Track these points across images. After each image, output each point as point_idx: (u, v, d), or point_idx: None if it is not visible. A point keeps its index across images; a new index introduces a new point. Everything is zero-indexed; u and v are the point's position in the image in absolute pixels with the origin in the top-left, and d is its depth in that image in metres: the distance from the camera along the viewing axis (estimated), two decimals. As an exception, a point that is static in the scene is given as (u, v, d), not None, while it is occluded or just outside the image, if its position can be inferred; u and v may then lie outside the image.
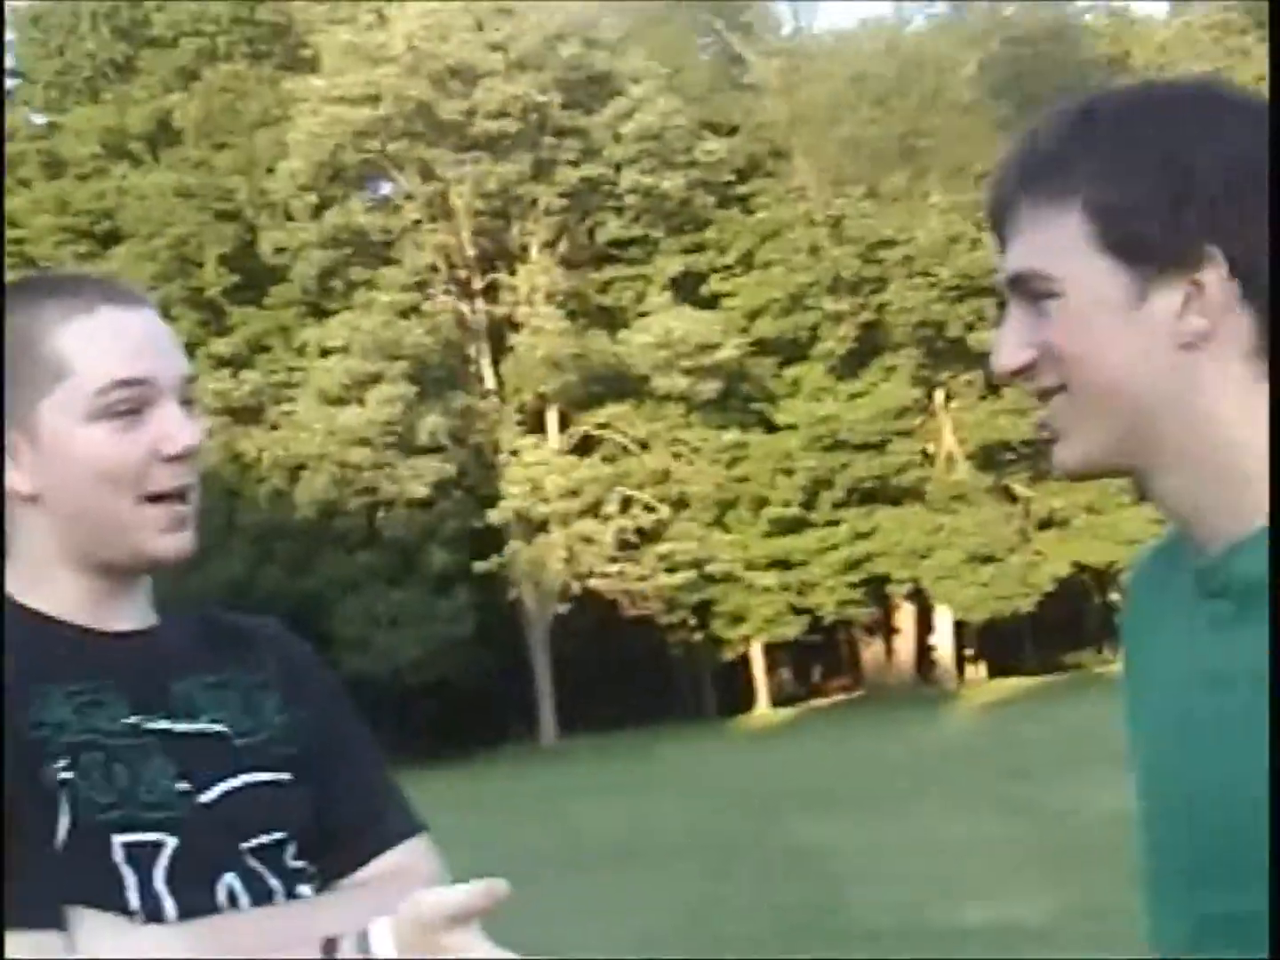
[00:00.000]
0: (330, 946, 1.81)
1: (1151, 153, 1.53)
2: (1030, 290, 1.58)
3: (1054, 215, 1.55)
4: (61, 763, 1.84)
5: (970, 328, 45.26)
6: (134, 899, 1.83)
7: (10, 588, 1.98)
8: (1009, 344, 1.60)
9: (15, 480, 1.94)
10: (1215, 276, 1.50)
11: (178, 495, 1.96)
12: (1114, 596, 51.90)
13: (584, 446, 46.51)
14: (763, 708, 49.89)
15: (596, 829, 19.96)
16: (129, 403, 1.92)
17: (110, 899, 1.81)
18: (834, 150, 47.51)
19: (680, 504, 46.34)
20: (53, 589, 1.96)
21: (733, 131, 49.80)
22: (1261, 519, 1.51)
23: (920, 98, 47.47)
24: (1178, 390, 1.52)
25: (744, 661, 50.90)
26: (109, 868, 1.83)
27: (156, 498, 1.94)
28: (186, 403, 1.98)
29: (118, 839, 1.84)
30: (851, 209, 46.53)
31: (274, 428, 43.24)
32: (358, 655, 40.85)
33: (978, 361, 45.83)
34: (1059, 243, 1.55)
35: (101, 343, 1.93)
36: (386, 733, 44.73)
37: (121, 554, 1.95)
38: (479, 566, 43.42)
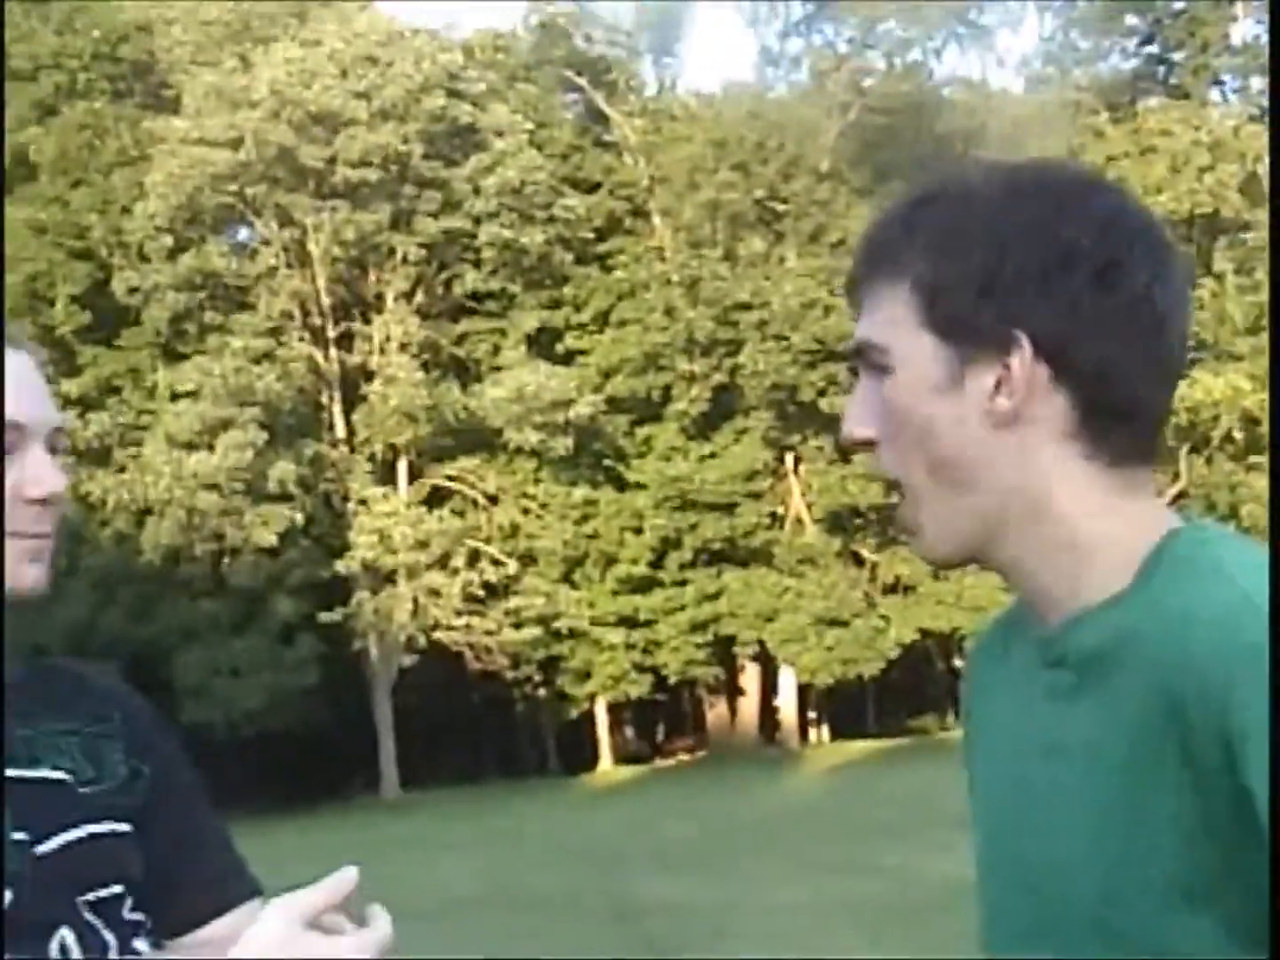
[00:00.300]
0: None
1: (970, 236, 1.56)
2: (870, 361, 1.62)
3: (888, 292, 1.60)
4: None
5: (822, 393, 45.61)
6: None
7: None
8: (855, 414, 1.64)
9: None
10: (1020, 361, 1.53)
11: (36, 536, 1.94)
12: (957, 662, 52.41)
13: (434, 499, 46.34)
14: (606, 765, 49.83)
15: (433, 883, 19.80)
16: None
17: None
18: (693, 212, 47.84)
19: (529, 559, 46.27)
20: None
21: (594, 189, 50.05)
22: (1098, 594, 1.55)
23: (780, 163, 47.94)
24: (1002, 470, 1.56)
25: (589, 719, 50.84)
26: None
27: (14, 537, 1.91)
28: (53, 450, 1.96)
29: None
30: (708, 271, 46.82)
31: (121, 470, 42.69)
32: (198, 704, 40.39)
33: (828, 426, 46.26)
34: (892, 319, 1.60)
35: None
36: (225, 782, 44.24)
37: None
38: (325, 616, 43.07)
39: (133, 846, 1.98)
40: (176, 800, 2.07)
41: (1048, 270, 1.53)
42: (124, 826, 1.97)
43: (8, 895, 1.82)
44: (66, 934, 1.86)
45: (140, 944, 1.94)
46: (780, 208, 48.57)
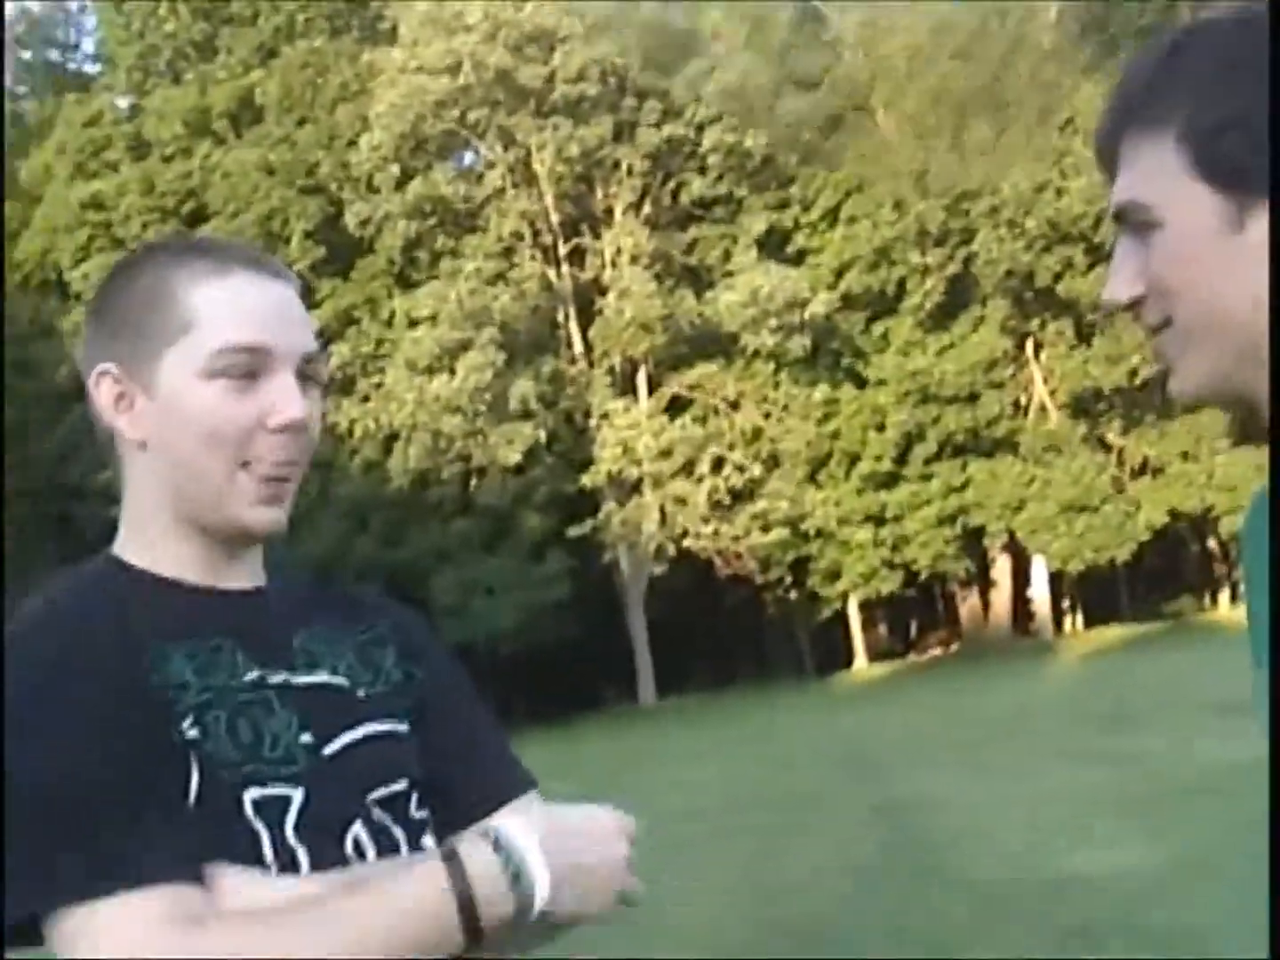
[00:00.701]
0: (452, 855, 1.84)
1: (1240, 79, 1.53)
2: (1134, 222, 1.60)
3: (1150, 146, 1.57)
4: (187, 722, 1.86)
5: (1058, 277, 44.90)
6: (268, 852, 1.86)
7: (122, 544, 2.02)
8: (1118, 277, 1.62)
9: (126, 426, 1.99)
10: None
11: (276, 466, 1.97)
12: (1211, 544, 51.54)
13: (675, 407, 46.51)
14: (861, 664, 49.88)
15: (694, 786, 20.01)
16: (245, 367, 1.95)
17: (245, 853, 1.85)
18: (916, 102, 47.21)
19: (773, 462, 46.28)
20: (164, 547, 1.99)
21: (814, 87, 49.58)
22: None
23: (1002, 46, 47.09)
24: None
25: (841, 619, 50.87)
26: (242, 823, 1.86)
27: (254, 465, 1.96)
28: (306, 379, 2.00)
29: (248, 794, 1.87)
30: (935, 161, 46.22)
31: (365, 399, 43.46)
32: (454, 623, 41.09)
33: (1067, 310, 45.57)
34: (1156, 173, 1.57)
35: (228, 305, 1.96)
36: (486, 698, 44.99)
37: (214, 518, 1.98)
38: (573, 531, 43.58)
39: (412, 745, 2.04)
40: (450, 701, 2.14)
41: None
42: (402, 727, 2.04)
43: (298, 795, 1.89)
44: (360, 830, 1.94)
45: (428, 840, 2.02)
46: (1005, 92, 47.75)
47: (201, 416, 1.94)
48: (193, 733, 1.86)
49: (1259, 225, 1.52)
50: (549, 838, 1.87)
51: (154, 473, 1.98)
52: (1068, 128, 46.25)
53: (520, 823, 1.88)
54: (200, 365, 1.94)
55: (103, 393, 1.99)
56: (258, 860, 1.85)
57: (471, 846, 1.85)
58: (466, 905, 1.81)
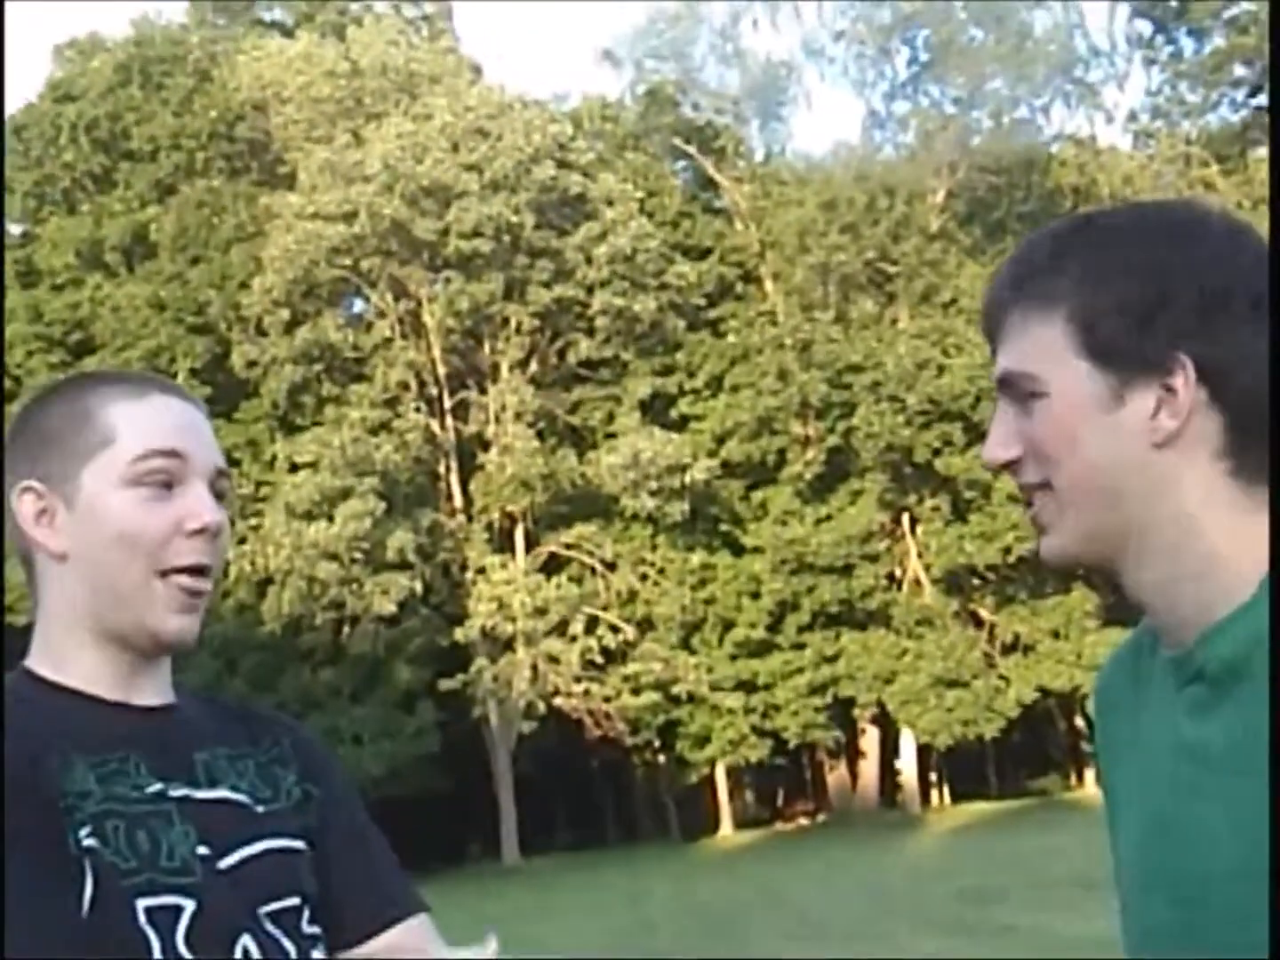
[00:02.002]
0: None
1: (1129, 265, 1.64)
2: (1017, 390, 1.69)
3: (1040, 321, 1.67)
4: (85, 830, 1.90)
5: (937, 453, 45.47)
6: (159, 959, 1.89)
7: (35, 658, 2.07)
8: (997, 439, 1.71)
9: (47, 538, 2.04)
10: (1184, 381, 1.61)
11: (192, 573, 2.05)
12: (1079, 721, 51.95)
13: (551, 566, 46.49)
14: (727, 830, 49.67)
15: (554, 949, 19.83)
16: (162, 474, 2.04)
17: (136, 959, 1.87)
18: (804, 275, 47.91)
19: (647, 625, 46.30)
20: (76, 661, 2.04)
21: (704, 255, 50.23)
22: (1229, 608, 1.60)
23: (890, 224, 47.95)
24: (1150, 487, 1.63)
25: (708, 784, 50.69)
26: (133, 930, 1.88)
27: (172, 573, 2.03)
28: (217, 494, 2.09)
29: (140, 903, 1.89)
30: (820, 333, 46.84)
31: (242, 541, 43.15)
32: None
33: (944, 486, 46.11)
34: (1044, 347, 1.66)
35: (146, 419, 2.06)
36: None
37: (129, 626, 2.03)
38: (444, 684, 43.29)
39: (307, 862, 2.08)
40: (346, 820, 2.19)
41: (1207, 300, 1.61)
42: (299, 844, 2.08)
43: (190, 905, 1.92)
44: (248, 941, 1.96)
45: (317, 954, 2.04)
46: (891, 269, 48.60)
47: (119, 522, 2.01)
48: (90, 841, 1.89)
49: (1137, 402, 1.62)
50: None
51: (72, 584, 2.04)
52: (951, 307, 47.11)
53: None
54: (118, 475, 2.02)
55: (25, 507, 2.05)
56: None
57: None
58: None
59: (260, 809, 2.07)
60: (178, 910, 1.91)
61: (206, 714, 2.16)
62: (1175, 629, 1.66)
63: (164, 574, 2.02)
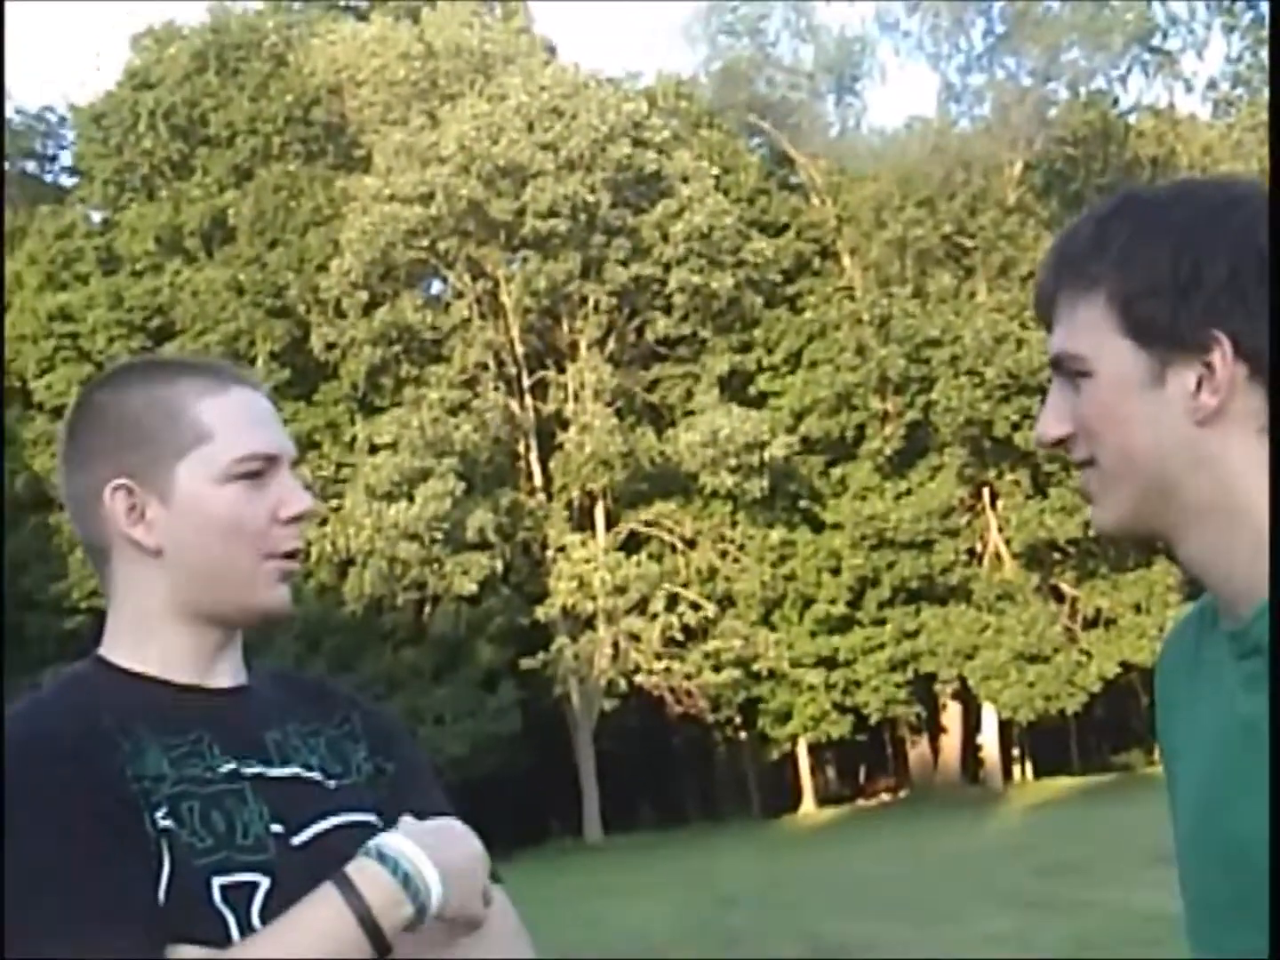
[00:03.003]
0: (341, 877, 1.94)
1: (1165, 246, 1.68)
2: (1067, 370, 1.74)
3: (1084, 304, 1.72)
4: (160, 812, 1.95)
5: (1016, 426, 45.22)
6: (236, 937, 1.94)
7: (110, 647, 2.13)
8: (1049, 417, 1.77)
9: (141, 535, 2.11)
10: (1221, 359, 1.65)
11: (290, 557, 2.16)
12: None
13: (631, 543, 46.57)
14: (808, 807, 49.67)
15: (635, 925, 19.91)
16: (258, 470, 2.12)
17: (213, 939, 1.92)
18: (880, 250, 47.74)
19: (727, 602, 46.32)
20: (155, 649, 2.11)
21: (781, 231, 50.11)
22: None
23: (966, 198, 47.71)
24: (1196, 462, 1.67)
25: (790, 760, 50.70)
26: (210, 909, 1.94)
27: (274, 557, 2.13)
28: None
29: (216, 881, 1.95)
30: (898, 308, 46.65)
31: (323, 523, 43.38)
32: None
33: (1024, 460, 45.84)
34: (1089, 329, 1.72)
35: (240, 416, 2.14)
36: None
37: (235, 606, 2.12)
38: (525, 663, 43.46)
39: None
40: (419, 794, 2.23)
41: (1242, 276, 1.65)
42: (371, 818, 2.13)
43: (265, 882, 1.98)
44: None
45: None
46: (968, 243, 48.34)
47: (225, 517, 2.10)
48: (166, 822, 1.95)
49: (1178, 380, 1.66)
50: (424, 843, 1.98)
51: (167, 577, 2.11)
52: (1029, 280, 46.66)
53: (396, 835, 1.98)
54: (217, 472, 2.10)
55: (117, 505, 2.11)
56: (225, 943, 1.92)
57: (358, 864, 1.95)
58: (366, 918, 1.90)
59: (332, 784, 2.13)
60: (253, 887, 1.97)
61: (279, 691, 2.22)
62: (1231, 602, 1.71)
63: (267, 557, 2.12)
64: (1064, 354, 1.74)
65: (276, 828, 2.03)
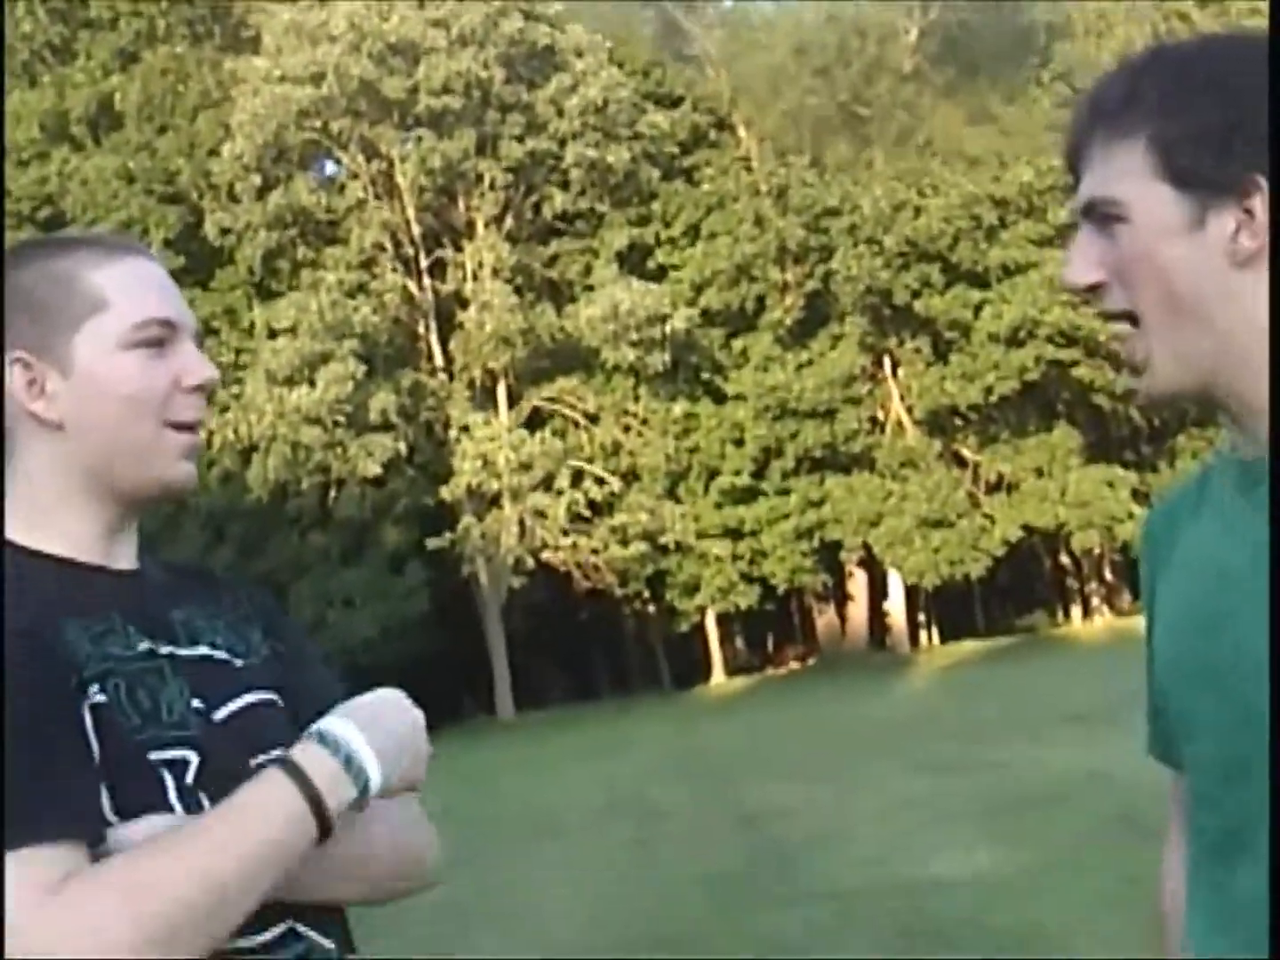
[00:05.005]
0: (285, 760, 1.95)
1: (1205, 93, 1.71)
2: (1100, 216, 1.77)
3: (1122, 149, 1.75)
4: (94, 688, 1.95)
5: (916, 294, 45.43)
6: (176, 802, 1.95)
7: (14, 526, 2.09)
8: (1081, 263, 1.79)
9: (41, 409, 2.08)
10: (1261, 203, 1.68)
11: (192, 426, 2.13)
12: (1064, 559, 52.26)
13: (535, 421, 46.57)
14: (718, 678, 50.10)
15: (553, 799, 20.07)
16: (158, 338, 2.10)
17: (153, 804, 1.93)
18: (777, 120, 47.66)
19: (632, 476, 46.45)
20: (57, 528, 2.08)
21: (676, 103, 49.90)
22: None
23: (862, 66, 47.65)
24: (1235, 305, 1.71)
25: (699, 632, 51.07)
26: (149, 777, 1.94)
27: (175, 426, 2.11)
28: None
29: (151, 756, 1.95)
30: (795, 178, 46.62)
31: (224, 410, 43.09)
32: (312, 636, 40.69)
33: (924, 328, 46.10)
34: (1126, 173, 1.74)
35: (136, 283, 2.12)
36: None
37: (139, 479, 2.10)
38: (432, 543, 43.46)
39: (286, 714, 2.14)
40: (311, 676, 2.26)
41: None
42: (275, 697, 2.15)
43: (195, 758, 1.99)
44: None
45: None
46: (864, 111, 48.31)
47: (125, 385, 2.07)
48: (99, 698, 1.95)
49: (1218, 223, 1.70)
50: (361, 719, 2.00)
51: (68, 453, 2.08)
52: (926, 148, 46.88)
53: (336, 718, 2.00)
54: (117, 340, 2.08)
55: (16, 380, 2.08)
56: (166, 806, 1.94)
57: (301, 747, 1.96)
58: (313, 798, 1.92)
59: (239, 663, 2.14)
60: (185, 762, 1.98)
61: (172, 576, 2.22)
62: (1263, 434, 1.73)
63: (169, 425, 2.10)
64: (1099, 199, 1.77)
65: (197, 704, 2.03)
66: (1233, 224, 1.69)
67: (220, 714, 2.05)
